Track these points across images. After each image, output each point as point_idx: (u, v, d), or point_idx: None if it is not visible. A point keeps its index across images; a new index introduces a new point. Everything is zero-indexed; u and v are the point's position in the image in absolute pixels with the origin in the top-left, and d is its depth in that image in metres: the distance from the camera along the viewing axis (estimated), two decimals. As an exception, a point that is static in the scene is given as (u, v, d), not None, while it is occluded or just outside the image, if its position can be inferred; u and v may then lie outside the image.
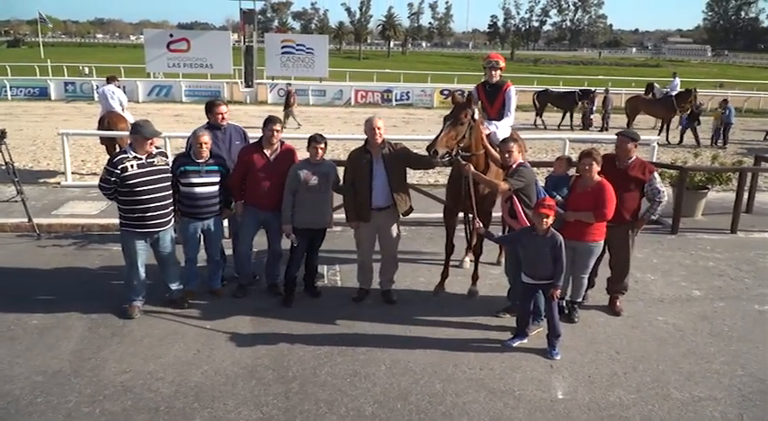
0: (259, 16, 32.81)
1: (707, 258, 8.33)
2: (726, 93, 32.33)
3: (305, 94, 30.33)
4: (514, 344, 5.60)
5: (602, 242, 6.02)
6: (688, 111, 19.84)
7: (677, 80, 26.92)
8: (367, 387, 4.91)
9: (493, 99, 7.25)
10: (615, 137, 6.32)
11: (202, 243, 6.46)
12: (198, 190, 6.13)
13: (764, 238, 9.40)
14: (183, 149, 6.60)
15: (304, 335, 5.75)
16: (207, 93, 29.70)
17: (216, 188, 6.22)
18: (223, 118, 6.52)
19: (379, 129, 6.02)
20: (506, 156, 5.81)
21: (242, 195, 6.35)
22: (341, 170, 6.47)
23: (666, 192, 6.26)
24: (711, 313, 6.53)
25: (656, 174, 6.19)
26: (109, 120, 12.14)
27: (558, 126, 23.30)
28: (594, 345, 5.71)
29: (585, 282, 6.20)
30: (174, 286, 6.26)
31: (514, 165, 5.78)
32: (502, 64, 7.26)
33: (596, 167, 5.78)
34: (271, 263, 6.73)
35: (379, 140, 6.09)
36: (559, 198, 5.90)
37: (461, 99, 6.03)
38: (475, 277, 6.80)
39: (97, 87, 21.26)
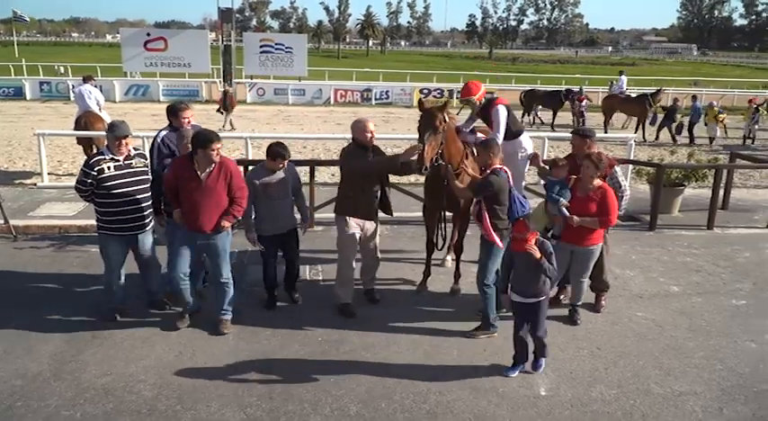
0: (237, 15, 32.60)
1: (684, 254, 8.45)
2: (701, 90, 32.87)
3: (284, 94, 30.24)
4: (513, 375, 5.14)
5: (601, 245, 6.04)
6: (664, 110, 20.04)
7: (624, 78, 27.04)
8: (351, 386, 4.91)
9: (486, 117, 6.99)
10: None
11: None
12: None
13: (740, 234, 9.55)
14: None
15: (287, 335, 5.73)
16: (185, 92, 29.52)
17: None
18: (189, 122, 6.27)
19: (372, 132, 6.04)
20: (484, 158, 5.72)
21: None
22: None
23: (628, 187, 6.38)
24: (690, 308, 6.62)
25: (617, 169, 6.27)
26: (86, 120, 11.99)
27: (552, 126, 22.97)
28: (575, 342, 5.77)
29: (585, 285, 6.20)
30: (154, 289, 6.18)
31: (488, 170, 5.61)
32: (475, 98, 6.90)
33: (596, 171, 5.70)
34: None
35: (372, 143, 6.09)
36: (563, 201, 5.83)
37: (428, 104, 6.08)
38: (457, 275, 6.82)
39: (73, 87, 20.99)
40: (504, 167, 5.70)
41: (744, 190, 12.69)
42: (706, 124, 20.21)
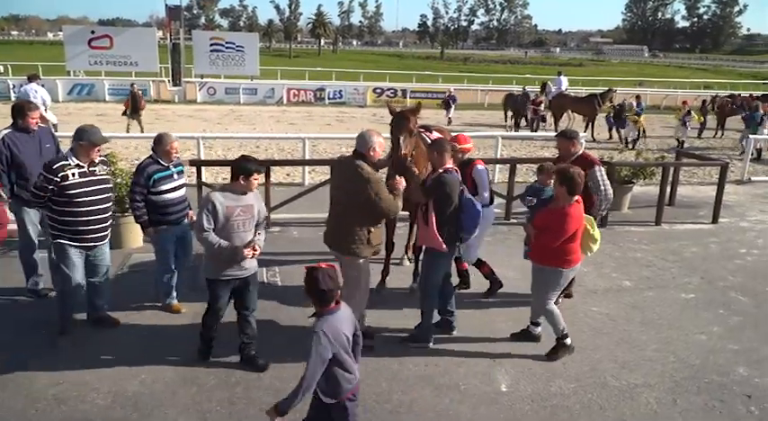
0: (185, 13, 32.05)
1: (635, 250, 8.67)
2: (645, 90, 33.85)
3: (236, 93, 29.84)
4: None
5: (562, 270, 5.29)
6: (612, 111, 20.44)
7: (562, 78, 26.90)
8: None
9: (463, 176, 6.01)
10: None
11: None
12: (171, 196, 5.82)
13: (687, 229, 9.86)
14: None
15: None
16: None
17: (184, 190, 6.04)
18: (37, 123, 6.12)
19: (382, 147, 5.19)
20: (436, 157, 5.52)
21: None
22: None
23: (609, 188, 6.10)
24: (642, 302, 6.79)
25: (596, 168, 6.08)
26: None
27: (593, 136, 21.00)
28: (529, 340, 5.81)
29: (542, 306, 5.48)
30: (101, 303, 5.79)
31: (440, 170, 5.43)
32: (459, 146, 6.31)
33: (561, 186, 5.13)
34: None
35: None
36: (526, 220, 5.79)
37: (395, 108, 6.00)
38: (416, 274, 6.83)
39: (15, 86, 20.30)
40: (456, 168, 5.65)
41: (689, 187, 13.10)
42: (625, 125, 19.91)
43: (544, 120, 22.74)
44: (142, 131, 17.60)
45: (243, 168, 4.73)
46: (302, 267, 5.68)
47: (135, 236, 7.97)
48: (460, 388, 4.93)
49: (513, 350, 5.54)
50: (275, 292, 6.78)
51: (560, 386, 5.00)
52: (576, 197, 5.15)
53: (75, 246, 5.31)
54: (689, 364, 5.44)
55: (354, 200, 4.94)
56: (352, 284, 5.02)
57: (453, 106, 25.31)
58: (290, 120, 23.57)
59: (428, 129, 7.08)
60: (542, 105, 22.59)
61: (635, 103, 20.26)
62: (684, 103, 20.23)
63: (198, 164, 9.29)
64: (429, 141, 6.70)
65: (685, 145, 19.81)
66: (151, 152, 5.88)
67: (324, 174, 12.63)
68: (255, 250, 4.86)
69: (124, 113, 18.62)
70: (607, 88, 22.49)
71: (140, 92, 19.79)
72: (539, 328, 5.75)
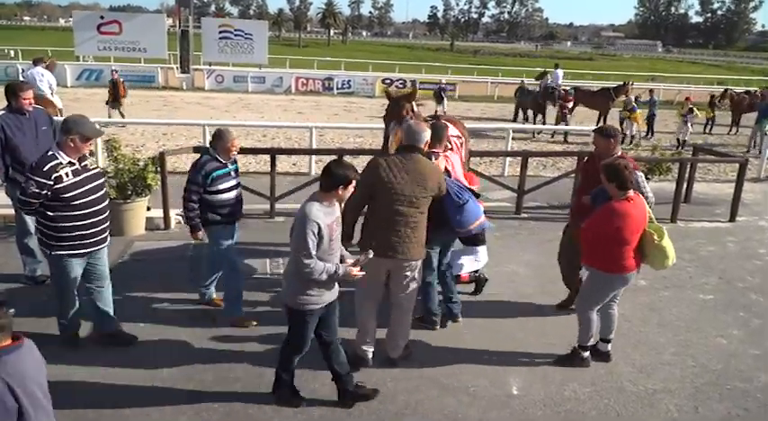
0: (195, 1, 31.79)
1: (650, 248, 8.39)
2: (659, 85, 33.38)
3: (244, 81, 29.62)
4: None
5: (603, 274, 4.84)
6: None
7: (559, 71, 25.69)
8: (314, 388, 4.63)
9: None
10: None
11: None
12: (229, 195, 5.36)
13: (704, 228, 9.58)
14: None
15: (248, 333, 5.43)
16: (140, 77, 28.68)
17: (240, 188, 5.57)
18: (30, 103, 5.83)
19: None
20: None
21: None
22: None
23: (651, 194, 5.48)
24: (658, 303, 6.54)
25: (638, 173, 5.43)
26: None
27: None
28: (545, 339, 5.60)
29: (588, 319, 5.04)
30: (107, 310, 5.12)
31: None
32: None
33: (609, 183, 4.71)
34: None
35: None
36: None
37: (394, 93, 5.81)
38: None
39: (23, 70, 20.12)
40: (448, 155, 5.41)
41: (704, 184, 12.78)
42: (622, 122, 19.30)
43: (564, 117, 19.98)
44: (122, 121, 16.39)
45: (343, 177, 3.95)
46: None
47: (136, 223, 7.78)
48: (469, 390, 4.70)
49: (524, 351, 5.31)
50: (279, 283, 6.54)
51: (575, 390, 4.76)
52: (630, 193, 4.69)
53: (76, 256, 4.70)
54: (709, 369, 5.19)
55: (429, 196, 4.66)
56: (412, 289, 4.85)
57: (445, 98, 24.46)
58: (297, 110, 23.32)
59: (437, 119, 6.83)
60: (571, 103, 20.04)
61: (633, 98, 19.54)
62: (687, 99, 19.17)
63: (203, 151, 9.06)
64: None
65: (687, 144, 17.99)
66: (208, 148, 5.41)
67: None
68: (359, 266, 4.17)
69: (107, 102, 17.90)
70: (622, 82, 21.88)
71: (122, 79, 18.88)
72: (609, 345, 5.24)
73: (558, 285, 6.28)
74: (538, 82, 23.70)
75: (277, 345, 5.12)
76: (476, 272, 6.37)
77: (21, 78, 21.75)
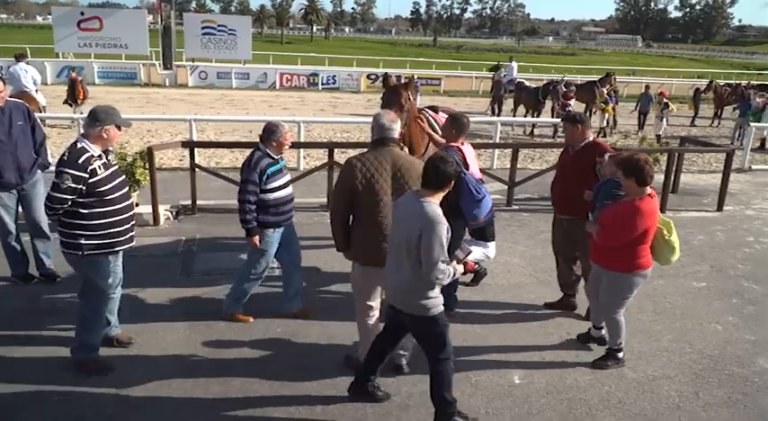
0: (176, -3, 31.42)
1: (641, 237, 8.43)
2: (640, 79, 33.63)
3: (227, 77, 29.37)
4: None
5: (634, 277, 4.73)
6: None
7: (513, 64, 25.74)
8: (313, 386, 4.58)
9: None
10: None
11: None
12: (284, 193, 5.16)
13: (692, 217, 9.65)
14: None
15: (242, 327, 5.36)
16: (121, 74, 28.43)
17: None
18: (2, 98, 5.61)
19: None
20: (446, 134, 5.44)
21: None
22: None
23: None
24: (653, 291, 6.55)
25: (607, 156, 5.34)
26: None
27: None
28: (545, 328, 5.60)
29: (610, 314, 4.89)
30: (114, 319, 4.90)
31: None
32: None
33: (628, 178, 4.49)
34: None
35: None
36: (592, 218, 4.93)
37: (395, 81, 5.72)
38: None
39: (2, 68, 19.80)
40: (463, 148, 5.40)
41: (689, 175, 12.86)
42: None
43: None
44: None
45: (453, 172, 3.79)
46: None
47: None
48: (471, 380, 4.67)
49: (524, 341, 5.30)
50: (273, 278, 6.47)
51: (576, 378, 4.75)
52: (649, 190, 4.52)
53: (112, 253, 4.46)
54: (707, 355, 5.22)
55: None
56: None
57: (419, 94, 22.42)
58: (283, 105, 23.17)
59: (435, 109, 6.80)
60: (572, 100, 17.99)
61: (604, 90, 19.23)
62: (662, 93, 18.68)
63: (191, 145, 8.97)
64: (433, 121, 6.46)
65: (661, 138, 17.23)
66: (259, 144, 5.13)
67: (319, 159, 12.35)
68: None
69: (66, 102, 16.98)
70: (605, 74, 21.86)
71: (81, 78, 17.24)
72: (603, 331, 5.19)
73: (553, 275, 6.26)
74: (491, 75, 23.08)
75: (273, 338, 5.09)
76: (477, 264, 6.33)
77: (2, 75, 21.45)
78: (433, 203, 3.71)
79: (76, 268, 4.54)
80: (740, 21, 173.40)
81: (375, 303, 4.54)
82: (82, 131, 4.51)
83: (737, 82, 29.37)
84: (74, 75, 17.43)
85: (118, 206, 4.39)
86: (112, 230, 4.37)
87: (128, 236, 4.51)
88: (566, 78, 22.60)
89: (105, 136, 4.30)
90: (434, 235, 3.59)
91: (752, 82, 27.95)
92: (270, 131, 5.05)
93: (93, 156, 4.25)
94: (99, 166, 4.27)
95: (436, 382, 4.00)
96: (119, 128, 4.39)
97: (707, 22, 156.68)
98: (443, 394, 4.00)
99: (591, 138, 5.59)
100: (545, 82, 20.67)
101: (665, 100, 18.15)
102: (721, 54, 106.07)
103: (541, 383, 4.68)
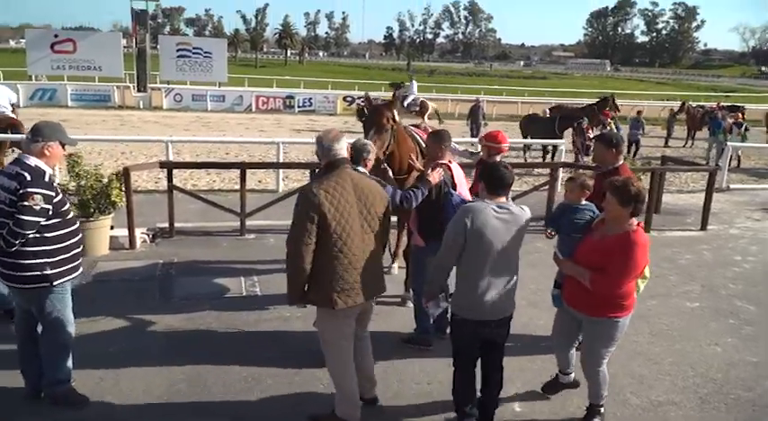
0: (150, 22, 31.15)
1: (629, 257, 8.32)
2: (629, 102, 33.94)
3: (203, 100, 29.08)
4: None
5: (621, 320, 4.09)
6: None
7: (414, 82, 25.89)
8: (304, 410, 4.32)
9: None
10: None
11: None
12: None
13: (677, 236, 9.60)
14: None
15: (226, 356, 5.08)
16: (95, 97, 27.98)
17: None
18: None
19: None
20: (434, 150, 5.25)
21: None
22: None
23: None
24: (646, 311, 6.40)
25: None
26: None
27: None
28: (539, 352, 5.38)
29: (600, 375, 4.26)
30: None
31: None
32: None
33: (624, 208, 3.85)
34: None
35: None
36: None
37: (374, 100, 5.64)
38: (407, 283, 6.36)
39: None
40: (451, 166, 5.27)
41: (668, 194, 12.87)
42: None
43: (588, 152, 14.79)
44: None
45: (512, 175, 3.84)
46: (281, 276, 5.17)
47: (100, 242, 7.35)
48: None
49: (523, 366, 5.09)
50: (256, 302, 6.22)
51: (579, 405, 4.53)
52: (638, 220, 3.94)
53: (74, 279, 4.15)
54: (710, 379, 5.05)
55: (382, 215, 4.02)
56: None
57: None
58: (259, 128, 22.94)
59: (418, 127, 6.69)
60: (592, 132, 15.60)
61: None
62: (639, 113, 19.10)
63: (170, 166, 8.70)
64: (417, 137, 6.40)
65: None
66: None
67: (297, 180, 12.12)
68: None
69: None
70: (603, 97, 20.84)
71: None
72: (572, 375, 4.65)
73: (542, 296, 6.09)
74: (392, 91, 21.92)
75: (270, 362, 4.82)
76: None
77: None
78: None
79: (39, 304, 4.01)
80: (705, 45, 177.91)
81: (349, 347, 4.02)
82: (22, 149, 4.14)
83: (708, 104, 29.88)
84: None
85: (74, 226, 4.10)
86: (74, 252, 4.06)
87: (81, 259, 4.18)
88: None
89: (48, 153, 3.94)
90: (520, 237, 3.88)
91: (721, 103, 28.47)
92: (362, 149, 4.52)
93: (52, 174, 3.97)
94: (58, 186, 4.02)
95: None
96: (63, 145, 4.06)
97: (673, 47, 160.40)
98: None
99: (620, 163, 5.20)
100: (558, 111, 18.53)
101: (641, 118, 18.68)
102: (688, 77, 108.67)
103: (543, 411, 4.48)
